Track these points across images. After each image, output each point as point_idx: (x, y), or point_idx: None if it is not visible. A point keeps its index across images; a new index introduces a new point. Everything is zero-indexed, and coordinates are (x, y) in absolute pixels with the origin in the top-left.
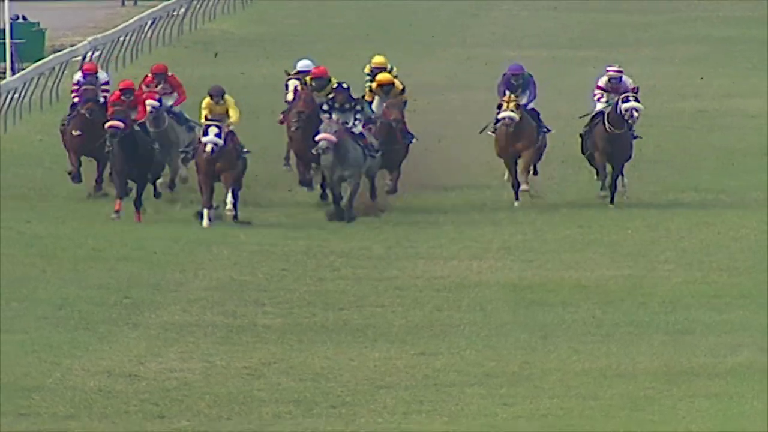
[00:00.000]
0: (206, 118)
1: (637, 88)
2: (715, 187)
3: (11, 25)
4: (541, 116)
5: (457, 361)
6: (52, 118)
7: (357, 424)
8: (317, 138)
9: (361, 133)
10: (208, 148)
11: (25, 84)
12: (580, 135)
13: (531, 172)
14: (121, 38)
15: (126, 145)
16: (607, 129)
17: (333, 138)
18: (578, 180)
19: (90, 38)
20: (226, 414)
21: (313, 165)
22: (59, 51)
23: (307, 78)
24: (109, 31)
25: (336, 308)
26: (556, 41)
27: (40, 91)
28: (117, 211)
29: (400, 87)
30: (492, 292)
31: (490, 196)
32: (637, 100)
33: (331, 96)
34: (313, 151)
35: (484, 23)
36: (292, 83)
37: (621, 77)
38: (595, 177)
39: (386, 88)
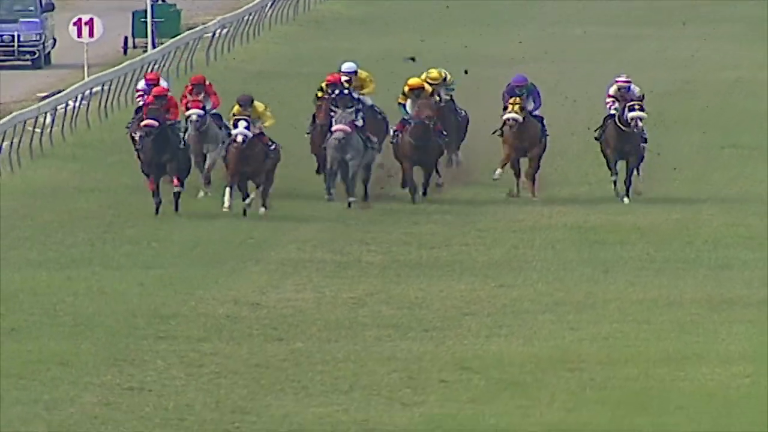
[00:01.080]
0: (233, 115)
1: (643, 95)
2: (751, 144)
3: (152, 6)
4: (544, 121)
5: (530, 292)
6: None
7: (446, 345)
8: (333, 129)
9: (362, 127)
10: (239, 138)
11: (163, 56)
12: (596, 138)
13: (535, 172)
14: (246, 17)
15: (158, 142)
16: (618, 127)
17: (348, 128)
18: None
19: (219, 17)
20: (335, 337)
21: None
22: (192, 28)
23: (323, 84)
24: (235, 12)
25: (428, 247)
26: (618, 20)
27: (176, 63)
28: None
29: (430, 90)
30: (560, 233)
31: (560, 151)
32: (641, 108)
33: (334, 99)
34: (332, 139)
35: (554, 5)
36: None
37: (629, 86)
38: (610, 176)
39: (417, 91)
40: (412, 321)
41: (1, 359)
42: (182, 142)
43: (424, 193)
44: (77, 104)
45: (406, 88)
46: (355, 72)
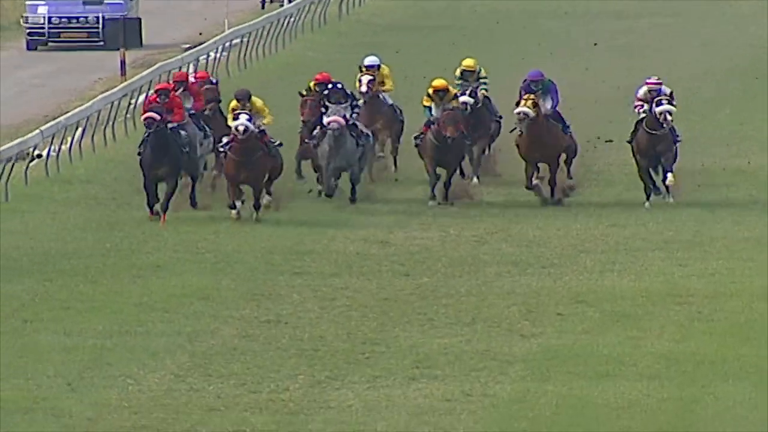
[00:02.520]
0: (231, 110)
1: (672, 92)
2: None
3: None
4: (566, 121)
5: (642, 231)
6: (320, 38)
7: (562, 280)
8: (328, 121)
9: (354, 123)
10: (240, 128)
11: (298, 10)
12: (628, 141)
13: (564, 172)
14: None
15: (158, 141)
16: (648, 131)
17: (342, 120)
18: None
19: None
20: (458, 273)
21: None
22: None
23: (311, 83)
24: None
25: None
26: None
27: (311, 16)
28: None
29: (454, 92)
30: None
31: None
32: (670, 103)
33: (327, 93)
34: (328, 129)
35: None
36: (366, 78)
37: (660, 88)
38: (644, 189)
39: (441, 93)
40: (531, 258)
41: (147, 294)
42: (185, 145)
43: (446, 198)
44: (218, 55)
45: (431, 90)
46: (378, 66)
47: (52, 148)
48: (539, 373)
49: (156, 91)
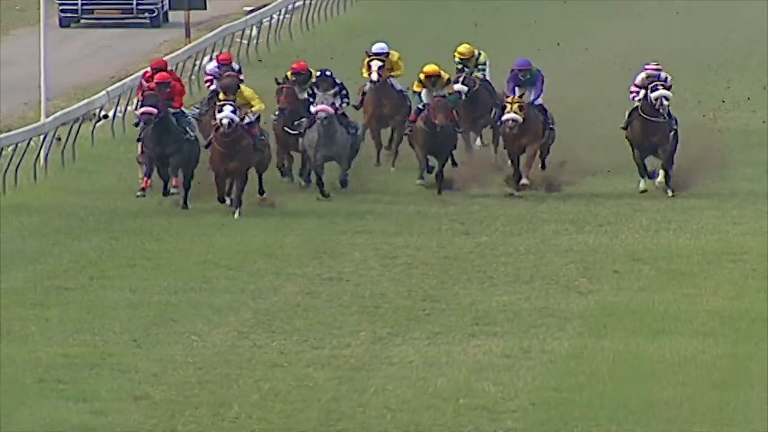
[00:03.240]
0: (218, 100)
1: (668, 78)
2: None
3: None
4: (548, 112)
5: (696, 190)
6: (381, 1)
7: (619, 238)
8: (316, 110)
9: (343, 113)
10: (225, 121)
11: None
12: (622, 127)
13: (539, 165)
14: None
15: (159, 130)
16: (644, 117)
17: (330, 109)
18: None
19: None
20: (517, 231)
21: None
22: None
23: (288, 73)
24: None
25: (603, 150)
26: None
27: None
28: (143, 189)
29: (446, 77)
30: (725, 136)
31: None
32: (666, 88)
33: (315, 82)
34: (317, 118)
35: None
36: (375, 63)
37: (659, 74)
38: (638, 173)
39: (433, 79)
40: (588, 216)
41: (211, 252)
42: (187, 132)
43: (439, 190)
44: (281, 17)
45: (422, 76)
46: (387, 53)
47: (119, 109)
48: (596, 329)
49: (157, 83)
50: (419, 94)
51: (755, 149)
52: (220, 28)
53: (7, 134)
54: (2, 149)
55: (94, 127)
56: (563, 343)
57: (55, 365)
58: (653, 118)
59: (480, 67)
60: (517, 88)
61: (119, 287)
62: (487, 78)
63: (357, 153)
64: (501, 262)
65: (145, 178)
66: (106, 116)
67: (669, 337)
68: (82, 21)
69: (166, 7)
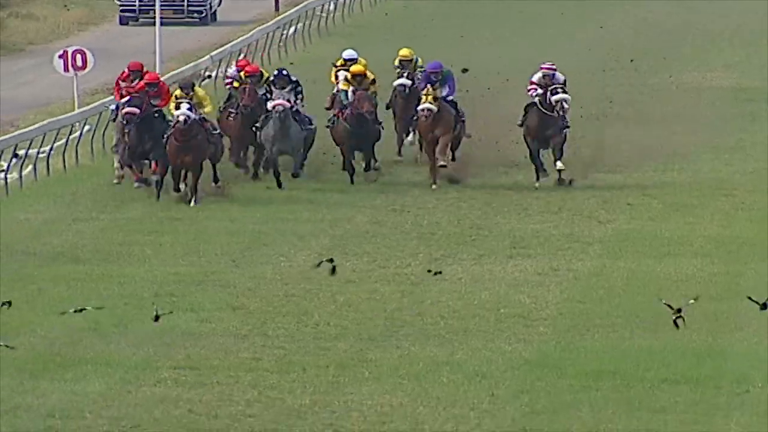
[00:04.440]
0: (176, 98)
1: (565, 80)
2: None
3: None
4: (459, 106)
5: (693, 139)
6: None
7: (632, 177)
8: (273, 104)
9: (297, 110)
10: (182, 118)
11: None
12: (519, 125)
13: (450, 157)
14: None
15: (142, 129)
16: (541, 111)
17: (287, 103)
18: None
19: None
20: (548, 170)
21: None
22: None
23: (241, 74)
24: None
25: (607, 103)
26: None
27: None
28: (120, 178)
29: (371, 77)
30: (717, 93)
31: None
32: (565, 92)
33: (272, 80)
34: (274, 113)
35: None
36: (342, 74)
37: (554, 73)
38: (534, 171)
39: (359, 78)
40: (606, 159)
41: (295, 189)
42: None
43: (372, 174)
44: (290, 32)
45: (348, 75)
46: (356, 59)
47: (220, 69)
48: (613, 252)
49: (146, 83)
50: (345, 92)
51: (743, 104)
52: (303, 4)
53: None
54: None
55: (200, 84)
56: (585, 263)
57: (168, 282)
58: (549, 113)
59: (419, 69)
60: (428, 86)
61: (220, 218)
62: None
63: (311, 147)
64: (534, 196)
65: (138, 173)
66: (209, 76)
67: (673, 258)
68: (140, 20)
69: (215, 8)
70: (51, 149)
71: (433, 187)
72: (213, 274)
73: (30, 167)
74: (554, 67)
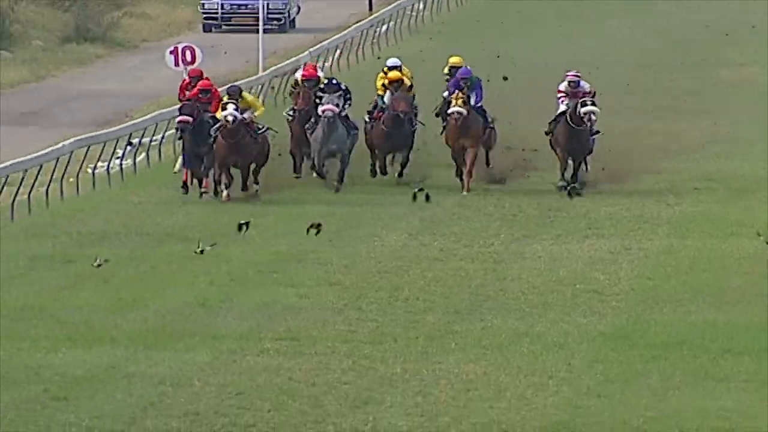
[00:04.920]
0: (222, 101)
1: (594, 92)
2: None
3: None
4: (488, 114)
5: (745, 129)
6: None
7: (698, 164)
8: (322, 109)
9: (345, 115)
10: (230, 118)
11: None
12: (546, 132)
13: (485, 162)
14: None
15: (196, 135)
16: (569, 125)
17: (336, 108)
18: None
19: None
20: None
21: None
22: None
23: (299, 78)
24: None
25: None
26: None
27: None
28: (185, 183)
29: (408, 84)
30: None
31: None
32: (594, 104)
33: (323, 86)
34: (323, 118)
35: None
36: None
37: (579, 81)
38: (558, 169)
39: (396, 84)
40: (675, 146)
41: (391, 175)
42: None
43: (400, 175)
44: (382, 30)
45: (386, 81)
46: (399, 67)
47: (317, 65)
48: (680, 232)
49: (199, 89)
50: (382, 97)
51: None
52: (394, 4)
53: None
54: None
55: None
56: (655, 242)
57: (269, 260)
58: (578, 127)
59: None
60: (458, 92)
61: (317, 201)
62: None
63: (352, 150)
64: (607, 181)
65: (185, 172)
66: None
67: (736, 238)
68: (223, 27)
69: (293, 16)
70: (162, 138)
71: (464, 193)
72: (311, 252)
73: (143, 154)
74: (579, 75)
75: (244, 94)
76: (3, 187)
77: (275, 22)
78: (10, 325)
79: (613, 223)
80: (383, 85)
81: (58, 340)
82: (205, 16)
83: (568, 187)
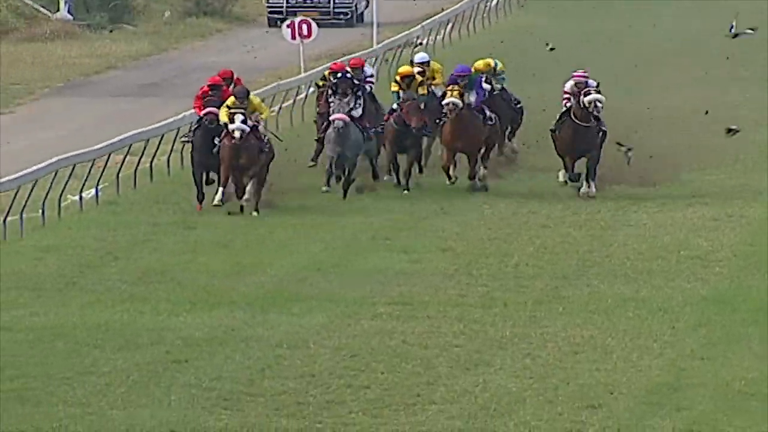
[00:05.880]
0: (228, 107)
1: (598, 83)
2: None
3: None
4: (487, 113)
5: None
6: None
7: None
8: (332, 118)
9: (360, 117)
10: (237, 134)
11: None
12: (551, 130)
13: (482, 165)
14: None
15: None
16: (575, 122)
17: (346, 117)
18: None
19: None
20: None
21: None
22: None
23: (326, 73)
24: None
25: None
26: None
27: None
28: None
29: (420, 79)
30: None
31: None
32: (598, 92)
33: (335, 82)
34: (331, 128)
35: None
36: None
37: (587, 81)
38: (563, 168)
39: (407, 80)
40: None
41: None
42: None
43: (407, 183)
44: (493, 3)
45: (398, 77)
46: (428, 62)
47: (430, 38)
48: None
49: (209, 86)
50: (396, 93)
51: None
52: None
53: (348, 56)
54: None
55: (411, 50)
56: (756, 210)
57: (383, 227)
58: (583, 123)
59: (498, 75)
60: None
61: (430, 174)
62: (505, 87)
63: (361, 156)
64: (711, 151)
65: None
66: (420, 44)
67: None
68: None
69: (362, 9)
70: (279, 109)
71: (449, 182)
72: (424, 220)
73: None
74: (587, 74)
75: (251, 96)
76: (126, 156)
77: (342, 16)
78: (133, 290)
79: (715, 191)
80: (395, 80)
81: (179, 303)
82: (270, 10)
83: (580, 192)
